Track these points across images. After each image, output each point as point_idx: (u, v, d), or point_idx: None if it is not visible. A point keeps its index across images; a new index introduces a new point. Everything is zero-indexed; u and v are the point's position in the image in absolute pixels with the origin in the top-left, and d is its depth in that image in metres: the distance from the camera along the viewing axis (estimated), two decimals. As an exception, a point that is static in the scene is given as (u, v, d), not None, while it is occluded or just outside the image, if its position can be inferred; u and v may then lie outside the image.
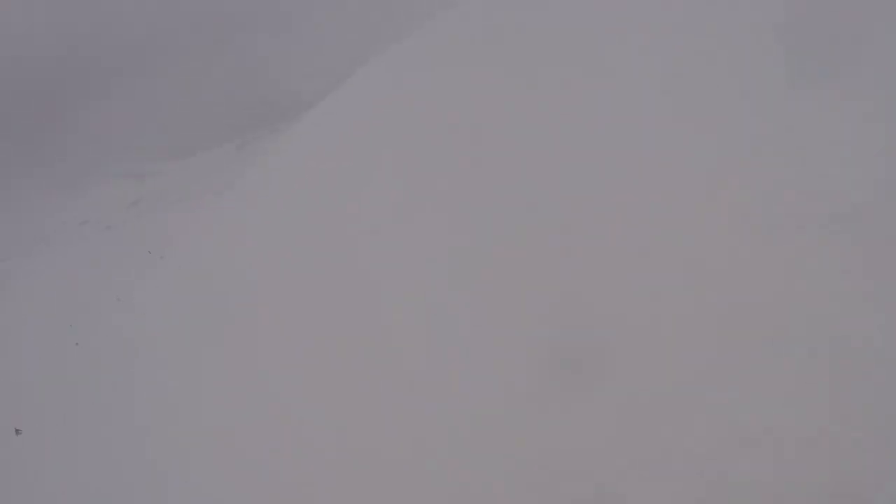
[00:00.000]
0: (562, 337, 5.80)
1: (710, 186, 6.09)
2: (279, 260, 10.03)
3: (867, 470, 3.56)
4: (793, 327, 4.46)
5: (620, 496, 4.33)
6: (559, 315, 5.83)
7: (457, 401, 5.96)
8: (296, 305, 8.87)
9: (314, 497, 6.01)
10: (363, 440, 6.28)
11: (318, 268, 9.27)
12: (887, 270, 4.40)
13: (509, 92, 8.52)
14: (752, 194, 5.69)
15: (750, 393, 4.40)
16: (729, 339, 4.88)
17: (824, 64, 6.94)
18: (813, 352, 4.26)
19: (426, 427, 6.10)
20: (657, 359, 4.94)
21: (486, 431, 5.28)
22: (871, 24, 7.13)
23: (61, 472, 10.54)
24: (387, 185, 9.41)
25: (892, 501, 3.23)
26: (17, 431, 23.60)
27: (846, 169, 5.77)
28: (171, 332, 13.14)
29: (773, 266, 5.27)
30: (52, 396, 20.06)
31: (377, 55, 14.96)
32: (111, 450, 10.46)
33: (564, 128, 7.21)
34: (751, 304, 4.94)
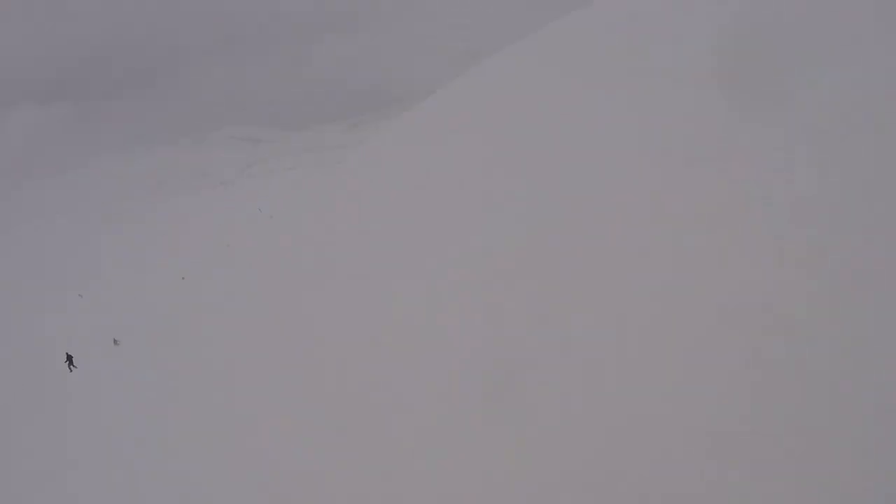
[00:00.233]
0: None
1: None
2: (368, 234, 10.73)
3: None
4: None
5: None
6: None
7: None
8: (371, 278, 9.53)
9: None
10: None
11: (397, 248, 9.88)
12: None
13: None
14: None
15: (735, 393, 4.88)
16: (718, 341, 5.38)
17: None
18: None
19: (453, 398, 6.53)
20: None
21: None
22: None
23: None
24: (474, 179, 9.84)
25: None
26: (116, 342, 25.58)
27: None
28: (270, 284, 14.06)
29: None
30: (157, 327, 21.86)
31: (489, 56, 15.34)
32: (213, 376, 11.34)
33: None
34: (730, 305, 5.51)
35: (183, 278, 29.53)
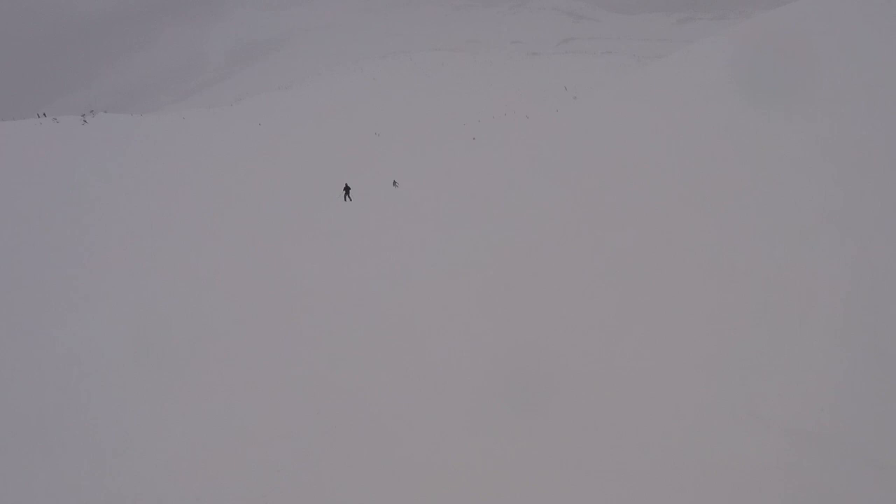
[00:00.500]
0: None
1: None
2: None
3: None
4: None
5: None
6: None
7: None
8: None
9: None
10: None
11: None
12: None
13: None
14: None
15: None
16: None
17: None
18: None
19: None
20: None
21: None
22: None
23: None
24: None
25: None
26: (395, 183, 32.51)
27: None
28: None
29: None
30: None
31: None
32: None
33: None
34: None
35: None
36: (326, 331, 8.80)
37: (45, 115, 49.29)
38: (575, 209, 10.11)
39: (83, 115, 48.96)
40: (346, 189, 26.23)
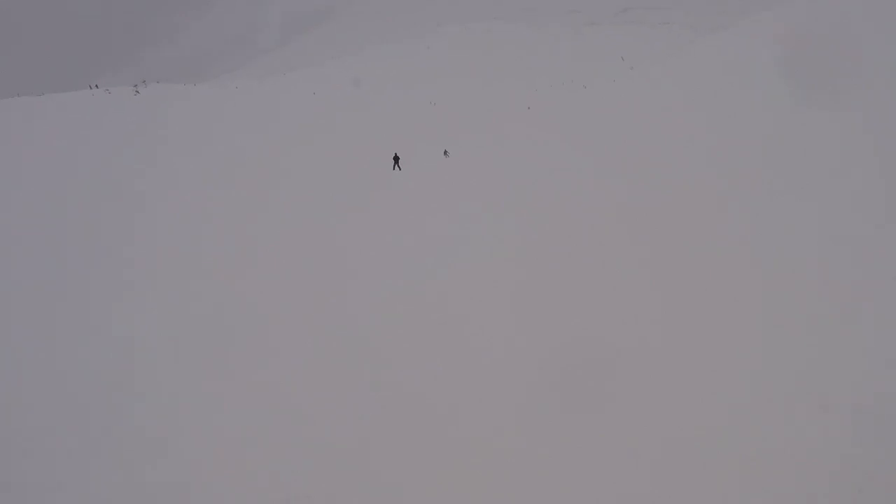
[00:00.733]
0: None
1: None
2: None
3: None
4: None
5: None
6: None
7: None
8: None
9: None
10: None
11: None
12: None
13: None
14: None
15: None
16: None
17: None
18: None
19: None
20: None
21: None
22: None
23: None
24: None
25: None
26: (446, 153, 32.39)
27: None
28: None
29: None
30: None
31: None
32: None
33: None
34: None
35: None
36: (373, 310, 8.64)
37: (97, 86, 50.33)
38: (629, 188, 9.71)
39: (135, 86, 49.74)
40: (396, 159, 26.22)
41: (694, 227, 7.95)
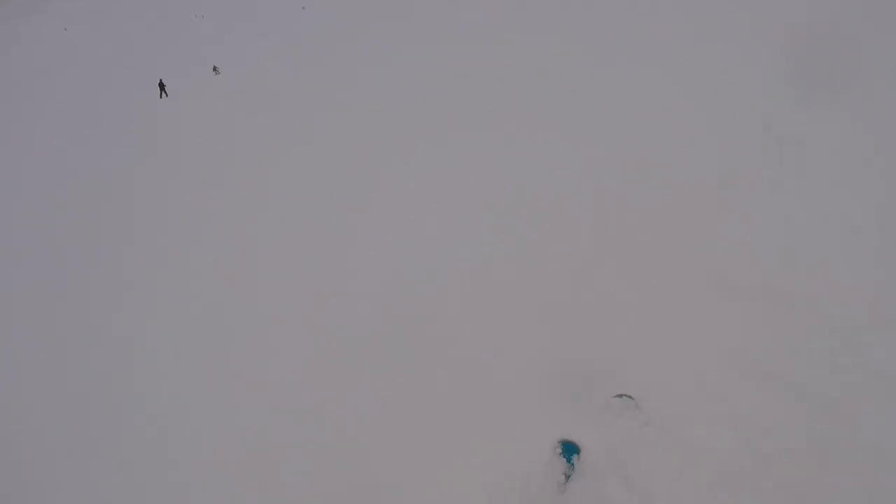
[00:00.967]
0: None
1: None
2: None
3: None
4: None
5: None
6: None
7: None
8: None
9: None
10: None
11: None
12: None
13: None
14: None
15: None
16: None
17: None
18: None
19: None
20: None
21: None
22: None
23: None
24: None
25: None
26: (215, 69, 29.88)
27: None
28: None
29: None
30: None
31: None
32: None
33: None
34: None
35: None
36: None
37: None
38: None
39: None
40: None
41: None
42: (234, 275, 11.33)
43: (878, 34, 9.32)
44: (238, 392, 7.12)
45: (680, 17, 14.93)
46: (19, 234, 17.40)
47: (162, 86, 26.20)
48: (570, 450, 5.04)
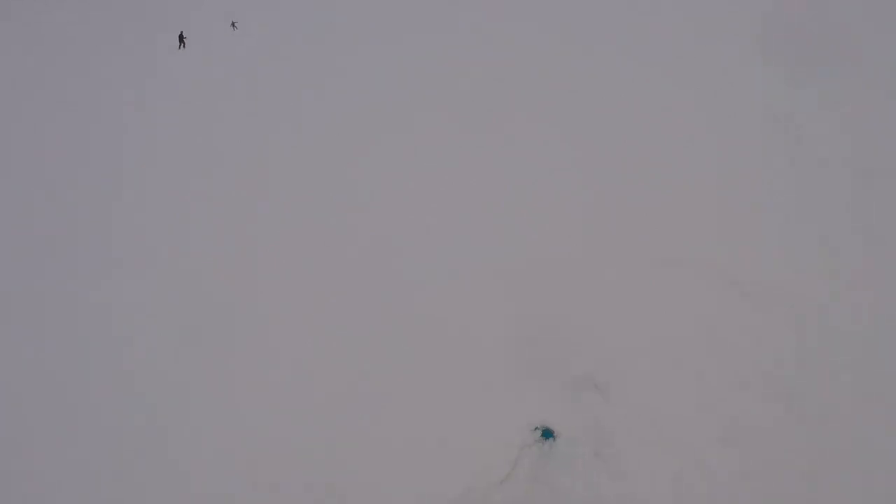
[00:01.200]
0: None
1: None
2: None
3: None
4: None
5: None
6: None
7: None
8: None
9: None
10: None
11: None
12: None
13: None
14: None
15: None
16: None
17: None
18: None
19: None
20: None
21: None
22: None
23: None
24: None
25: None
26: (234, 25, 28.63)
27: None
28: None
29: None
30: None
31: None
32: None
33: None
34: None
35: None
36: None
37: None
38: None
39: None
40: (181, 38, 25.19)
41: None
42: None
43: (878, 34, 9.43)
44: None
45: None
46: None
47: (182, 38, 26.38)
48: (546, 434, 5.76)
